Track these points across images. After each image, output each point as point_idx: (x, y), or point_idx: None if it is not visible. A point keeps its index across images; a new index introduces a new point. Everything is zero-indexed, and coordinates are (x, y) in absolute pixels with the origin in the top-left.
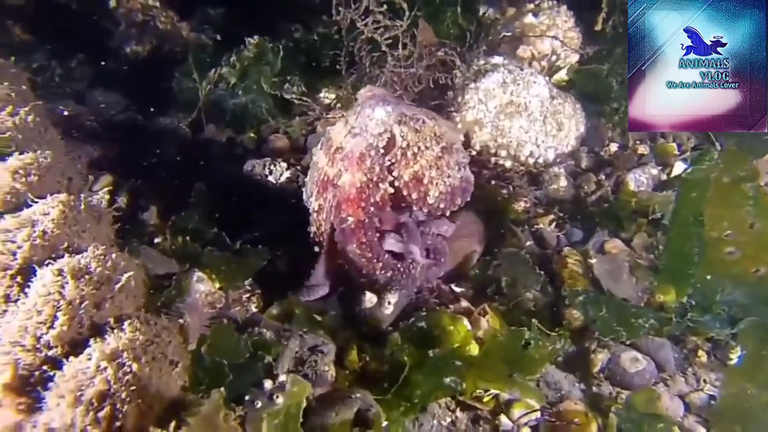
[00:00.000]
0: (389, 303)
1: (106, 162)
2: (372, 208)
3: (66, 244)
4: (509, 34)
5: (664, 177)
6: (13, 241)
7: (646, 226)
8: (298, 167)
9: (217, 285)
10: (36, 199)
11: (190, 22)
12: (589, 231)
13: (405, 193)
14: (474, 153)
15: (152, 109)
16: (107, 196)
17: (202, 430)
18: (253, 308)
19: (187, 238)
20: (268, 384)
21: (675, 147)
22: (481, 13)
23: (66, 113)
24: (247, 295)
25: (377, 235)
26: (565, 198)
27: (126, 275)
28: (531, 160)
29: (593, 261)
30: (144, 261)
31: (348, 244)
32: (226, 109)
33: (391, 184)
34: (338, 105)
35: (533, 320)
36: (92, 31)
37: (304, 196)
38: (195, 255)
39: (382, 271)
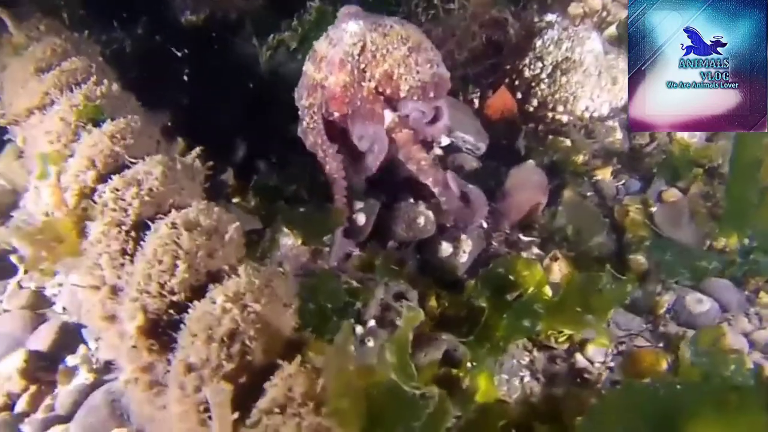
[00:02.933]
0: (464, 252)
1: (178, 127)
2: (359, 103)
3: (170, 201)
4: None
5: None
6: (123, 199)
7: (702, 175)
8: None
9: (300, 241)
10: (133, 161)
11: None
12: (646, 181)
13: (381, 90)
14: (531, 108)
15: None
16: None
17: (336, 357)
18: (333, 261)
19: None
20: (359, 329)
21: None
22: None
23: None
24: (327, 249)
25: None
26: (622, 150)
27: (233, 227)
28: (587, 114)
29: (654, 209)
30: None
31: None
32: (286, 74)
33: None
34: None
35: (606, 265)
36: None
37: (296, 99)
38: (278, 212)
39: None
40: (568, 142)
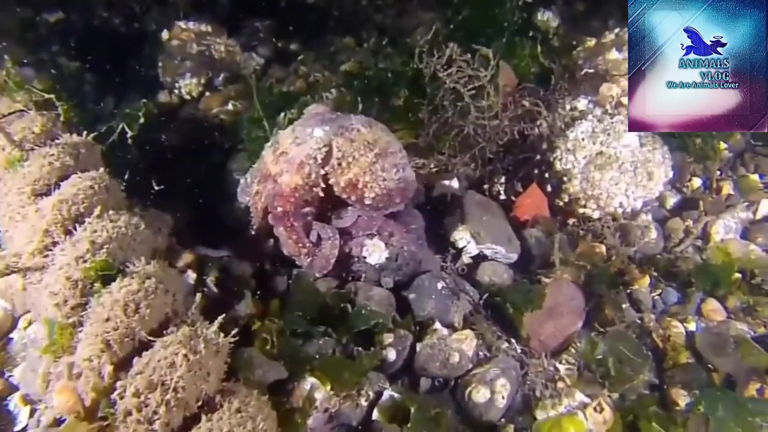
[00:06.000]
0: (502, 397)
1: (185, 231)
2: (303, 202)
3: (198, 400)
4: (591, 70)
5: (751, 216)
6: (147, 405)
7: (740, 283)
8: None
9: (329, 387)
10: (152, 339)
11: (239, 39)
12: (683, 289)
13: (344, 196)
14: (562, 203)
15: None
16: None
17: None
18: (363, 402)
19: (292, 337)
20: None
21: (758, 179)
22: (539, 17)
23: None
24: (356, 390)
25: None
26: (656, 250)
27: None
28: (620, 210)
29: (696, 333)
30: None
31: (277, 227)
32: None
33: (324, 189)
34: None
35: (653, 423)
36: (142, 61)
37: (244, 182)
38: (306, 360)
39: (304, 253)
40: (602, 248)
